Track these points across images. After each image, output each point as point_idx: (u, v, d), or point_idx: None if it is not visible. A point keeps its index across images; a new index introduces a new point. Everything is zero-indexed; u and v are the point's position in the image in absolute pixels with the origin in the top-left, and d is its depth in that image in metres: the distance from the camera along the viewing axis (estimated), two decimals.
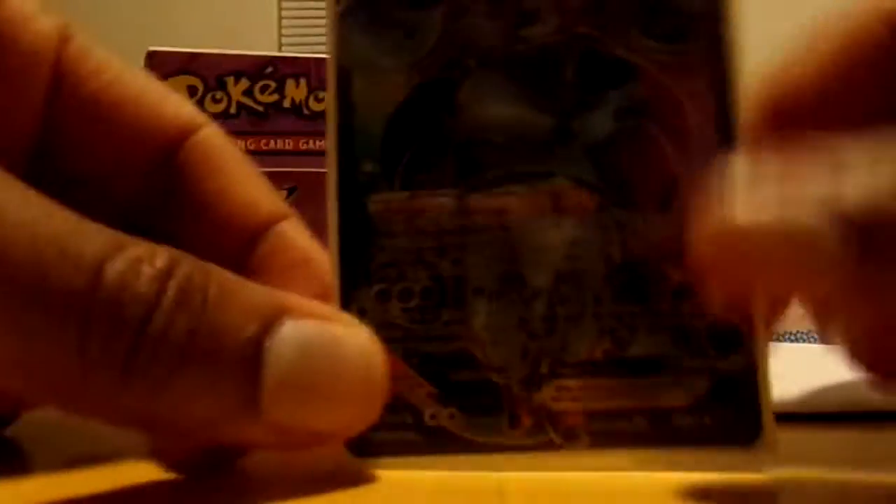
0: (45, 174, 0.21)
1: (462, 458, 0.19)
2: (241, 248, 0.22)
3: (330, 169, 0.20)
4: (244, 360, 0.17)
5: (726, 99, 0.19)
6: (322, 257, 0.22)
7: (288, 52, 1.75)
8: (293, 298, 0.18)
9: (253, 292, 0.18)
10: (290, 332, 0.17)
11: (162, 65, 0.41)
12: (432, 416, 0.20)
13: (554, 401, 0.19)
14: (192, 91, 0.41)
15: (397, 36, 0.20)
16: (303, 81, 0.43)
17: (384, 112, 0.20)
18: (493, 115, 0.20)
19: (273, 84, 0.43)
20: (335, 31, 0.20)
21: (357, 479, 0.19)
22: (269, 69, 0.43)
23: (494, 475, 0.19)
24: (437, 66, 0.20)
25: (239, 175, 0.23)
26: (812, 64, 0.21)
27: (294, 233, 0.23)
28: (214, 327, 0.17)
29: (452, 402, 0.20)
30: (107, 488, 0.18)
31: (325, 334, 0.18)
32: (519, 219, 0.20)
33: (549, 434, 0.19)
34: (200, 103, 0.41)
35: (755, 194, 0.16)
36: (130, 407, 0.16)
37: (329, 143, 0.20)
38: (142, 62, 0.41)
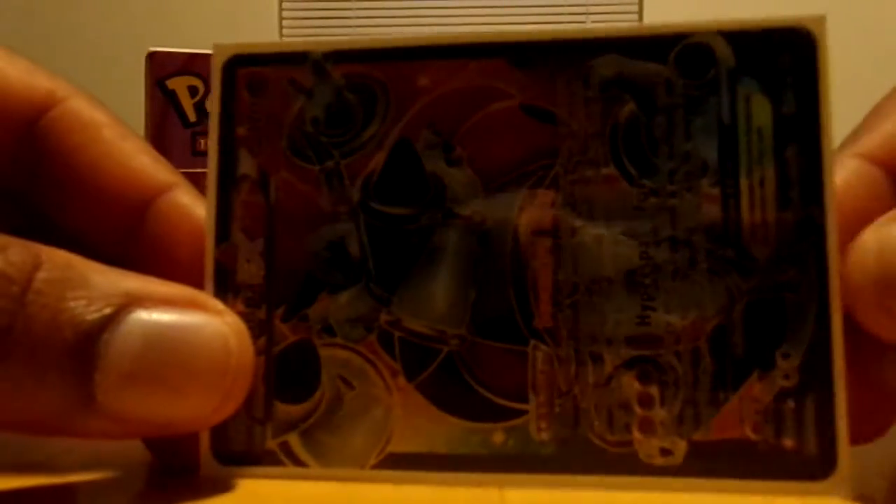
0: None
1: (330, 472, 0.19)
2: (128, 223, 0.21)
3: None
4: (75, 354, 0.16)
5: None
6: None
7: None
8: (152, 285, 0.18)
9: (101, 280, 0.17)
10: (136, 322, 0.17)
11: (162, 65, 0.41)
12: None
13: None
14: (192, 91, 0.41)
15: None
16: None
17: None
18: None
19: None
20: None
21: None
22: None
23: (496, 491, 0.19)
24: None
25: (113, 146, 0.21)
26: None
27: (185, 200, 0.21)
28: (40, 319, 0.16)
29: None
30: None
31: (178, 323, 0.17)
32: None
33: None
34: (201, 103, 0.41)
35: None
36: None
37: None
38: (142, 62, 0.41)
